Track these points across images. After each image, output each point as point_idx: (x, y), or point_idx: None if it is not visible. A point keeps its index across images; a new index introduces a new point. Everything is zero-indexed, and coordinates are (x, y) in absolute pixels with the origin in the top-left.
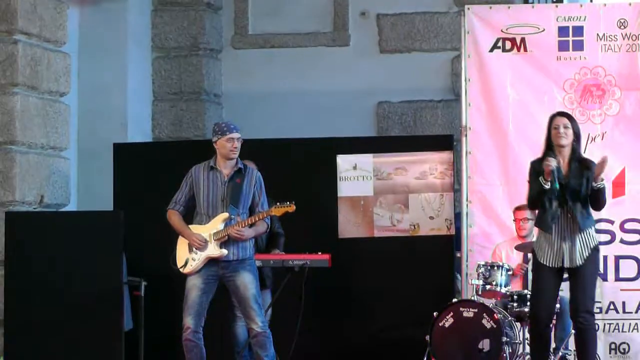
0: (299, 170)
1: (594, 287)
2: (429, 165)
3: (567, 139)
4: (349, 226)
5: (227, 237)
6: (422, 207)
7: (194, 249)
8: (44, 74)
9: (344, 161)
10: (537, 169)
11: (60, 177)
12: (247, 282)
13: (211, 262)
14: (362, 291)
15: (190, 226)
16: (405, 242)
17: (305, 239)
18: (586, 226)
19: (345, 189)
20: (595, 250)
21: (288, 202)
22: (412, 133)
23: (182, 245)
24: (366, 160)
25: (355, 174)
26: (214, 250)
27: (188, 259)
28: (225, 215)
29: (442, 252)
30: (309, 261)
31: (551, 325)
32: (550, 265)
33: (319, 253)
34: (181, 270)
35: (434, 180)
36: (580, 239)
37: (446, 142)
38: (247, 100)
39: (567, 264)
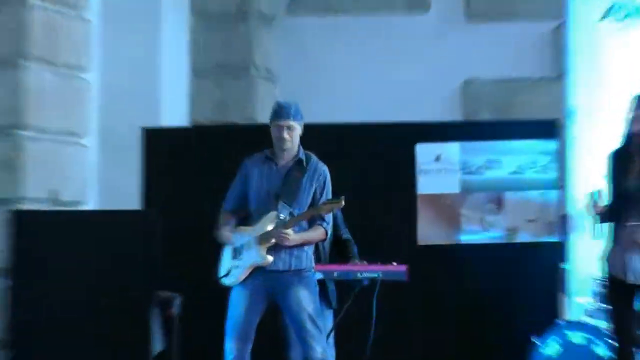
0: (367, 162)
1: None
2: (528, 157)
3: None
4: (430, 231)
5: (274, 240)
6: (519, 208)
7: (239, 255)
8: (61, 44)
9: (424, 151)
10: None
11: (78, 169)
12: (301, 298)
13: (259, 273)
14: (446, 309)
15: (238, 228)
16: (500, 251)
17: (376, 246)
18: None
19: (425, 185)
20: None
21: (335, 198)
22: (506, 117)
23: (226, 252)
24: (451, 151)
25: (437, 167)
26: (257, 256)
27: (231, 267)
28: (274, 214)
29: (545, 263)
30: (382, 273)
31: None
32: None
33: (394, 263)
34: (222, 281)
35: (534, 175)
36: None
37: (549, 128)
38: (305, 78)
39: None
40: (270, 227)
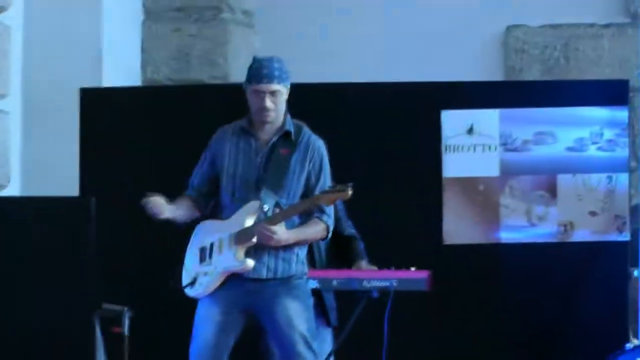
0: (376, 135)
1: None
2: (589, 129)
3: None
4: (459, 226)
5: (255, 239)
6: (578, 197)
7: (207, 259)
8: None
9: (452, 120)
10: None
11: None
12: (292, 314)
13: (235, 281)
14: (479, 328)
15: (204, 222)
16: (551, 252)
17: (389, 246)
18: None
19: (453, 166)
20: None
21: (340, 186)
22: (562, 76)
23: (191, 254)
24: (488, 120)
25: (470, 142)
26: (234, 260)
27: (198, 274)
28: (255, 204)
29: (610, 268)
30: (396, 281)
31: None
32: None
33: (412, 268)
34: (187, 291)
35: (597, 153)
36: None
37: (617, 91)
38: (293, 23)
39: None
40: (250, 222)
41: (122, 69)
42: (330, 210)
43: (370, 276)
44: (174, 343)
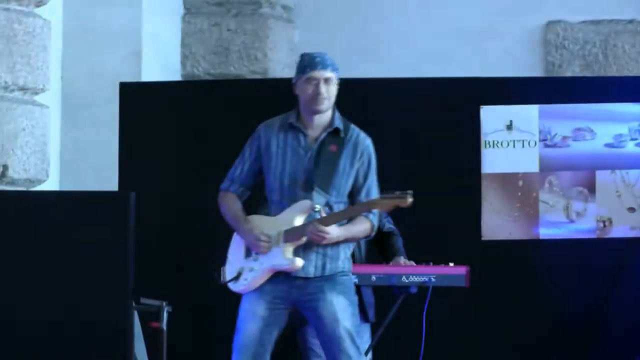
0: (415, 130)
1: None
2: (628, 126)
3: None
4: (498, 221)
5: (304, 239)
6: (616, 193)
7: (254, 254)
8: None
9: (491, 116)
10: None
11: (34, 136)
12: (337, 308)
13: (280, 277)
14: (518, 325)
15: (251, 217)
16: (590, 248)
17: (428, 241)
18: None
19: (492, 162)
20: None
21: (400, 193)
22: (602, 72)
23: (236, 248)
24: (528, 116)
25: (509, 138)
26: (282, 258)
27: (242, 269)
28: (307, 204)
29: None
30: (434, 277)
31: None
32: None
33: (451, 264)
34: (230, 286)
35: (636, 149)
36: None
37: None
38: (333, 18)
39: None
40: (300, 221)
41: (161, 63)
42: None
43: (408, 272)
44: (212, 338)
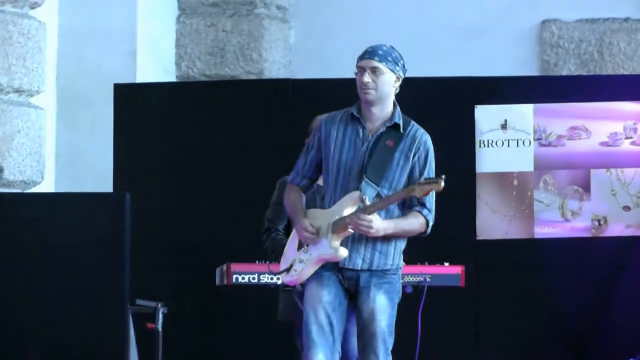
0: None
1: None
2: (623, 124)
3: None
4: (493, 221)
5: (350, 229)
6: (612, 191)
7: (305, 247)
8: None
9: (486, 115)
10: None
11: (30, 137)
12: (377, 307)
13: (333, 268)
14: (513, 324)
15: (308, 210)
16: (585, 247)
17: (422, 241)
18: None
19: (487, 161)
20: None
21: (433, 178)
22: (597, 71)
23: (291, 241)
24: (523, 115)
25: (504, 137)
26: (327, 247)
27: (294, 260)
28: (356, 194)
29: None
30: (430, 276)
31: None
32: None
33: (446, 264)
34: (282, 277)
35: (631, 148)
36: None
37: None
38: (328, 16)
39: None
40: (349, 212)
41: (156, 64)
42: (431, 205)
43: (404, 272)
44: (208, 339)
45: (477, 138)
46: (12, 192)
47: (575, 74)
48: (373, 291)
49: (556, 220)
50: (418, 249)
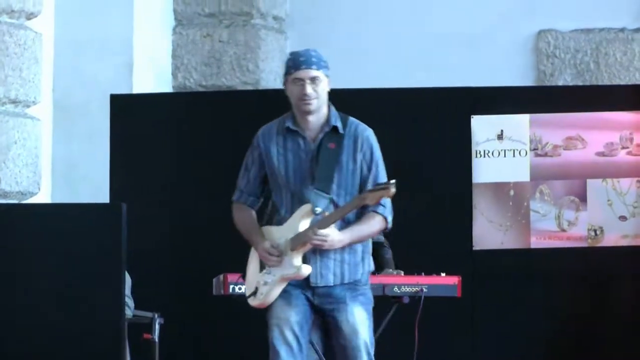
0: (407, 140)
1: None
2: (619, 134)
3: None
4: (489, 231)
5: (309, 245)
6: (608, 202)
7: (267, 267)
8: None
9: (482, 126)
10: None
11: (26, 148)
12: (358, 320)
13: (303, 286)
14: (510, 334)
15: (263, 228)
16: (581, 258)
17: (419, 252)
18: None
19: (484, 171)
20: None
21: (383, 183)
22: (593, 81)
23: (252, 262)
24: (519, 125)
25: (500, 147)
26: (290, 266)
27: (258, 283)
28: (307, 207)
29: None
30: (426, 287)
31: None
32: None
33: (442, 274)
34: (249, 301)
35: (627, 158)
36: None
37: None
38: (324, 27)
39: None
40: (304, 226)
41: (153, 75)
42: (385, 201)
43: (400, 282)
44: (204, 349)
45: (474, 148)
46: (9, 202)
47: (571, 84)
48: (350, 305)
49: (552, 230)
50: (415, 258)
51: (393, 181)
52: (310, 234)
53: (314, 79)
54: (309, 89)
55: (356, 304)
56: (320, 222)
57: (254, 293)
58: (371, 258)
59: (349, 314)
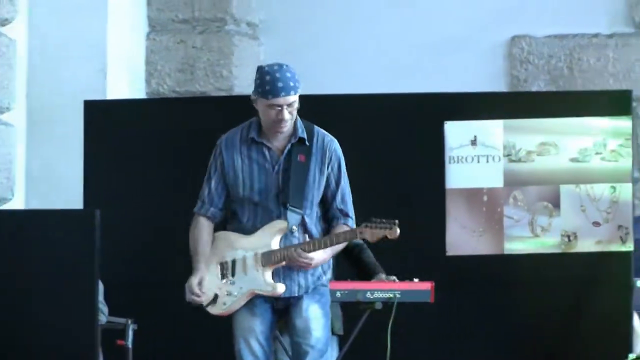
0: (380, 146)
1: None
2: (593, 140)
3: None
4: (463, 236)
5: (284, 262)
6: (581, 207)
7: (230, 277)
8: None
9: (456, 132)
10: None
11: (0, 154)
12: (311, 316)
13: (265, 298)
14: (484, 340)
15: (224, 233)
16: (555, 263)
17: (393, 257)
18: None
19: (457, 177)
20: None
21: (387, 222)
22: (567, 86)
23: (211, 267)
24: (493, 131)
25: (474, 153)
26: (263, 283)
27: (220, 291)
28: (282, 225)
29: (613, 279)
30: (400, 292)
31: None
32: None
33: (415, 280)
34: (208, 309)
35: (601, 164)
36: None
37: (621, 101)
38: (299, 34)
39: None
40: (276, 242)
41: (127, 81)
42: (352, 210)
43: (373, 287)
44: (178, 355)
45: (447, 154)
46: None
47: (545, 89)
48: (305, 302)
49: (526, 236)
50: (388, 264)
51: (396, 221)
52: (295, 255)
53: (291, 104)
54: (286, 114)
55: (312, 301)
56: (307, 245)
57: (214, 301)
58: (332, 260)
59: (304, 311)
